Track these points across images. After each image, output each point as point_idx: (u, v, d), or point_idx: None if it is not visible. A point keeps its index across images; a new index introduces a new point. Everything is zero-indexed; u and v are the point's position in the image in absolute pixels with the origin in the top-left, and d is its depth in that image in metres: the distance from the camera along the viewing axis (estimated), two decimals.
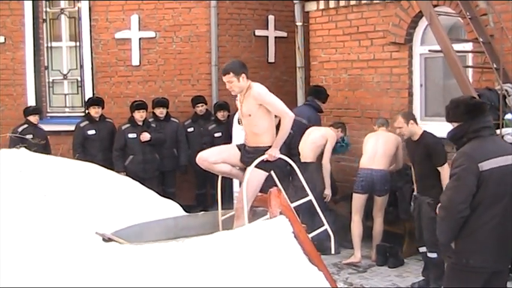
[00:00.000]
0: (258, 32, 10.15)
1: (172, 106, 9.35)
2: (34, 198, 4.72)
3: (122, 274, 3.51)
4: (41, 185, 4.98)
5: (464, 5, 7.01)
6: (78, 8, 9.87)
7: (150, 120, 8.87)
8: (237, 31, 9.96)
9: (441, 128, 5.90)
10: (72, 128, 8.84)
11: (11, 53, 9.90)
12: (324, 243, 5.14)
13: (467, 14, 6.99)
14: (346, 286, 6.67)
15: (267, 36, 10.24)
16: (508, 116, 6.34)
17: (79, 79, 9.96)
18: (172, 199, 5.95)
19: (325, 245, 5.10)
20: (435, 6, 7.28)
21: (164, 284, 3.46)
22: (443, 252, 4.58)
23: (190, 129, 9.20)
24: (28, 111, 8.82)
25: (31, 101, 9.76)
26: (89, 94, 9.73)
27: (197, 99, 9.28)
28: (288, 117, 4.79)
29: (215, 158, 4.88)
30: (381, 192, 7.33)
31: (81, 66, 9.90)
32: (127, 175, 7.41)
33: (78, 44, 9.90)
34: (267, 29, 10.24)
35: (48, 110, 10.02)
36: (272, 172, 4.88)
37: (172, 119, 9.09)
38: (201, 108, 9.23)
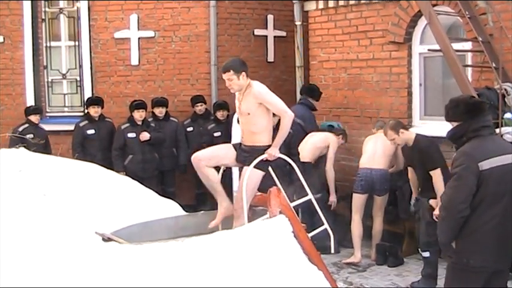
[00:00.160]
0: (257, 32, 10.14)
1: (171, 106, 9.34)
2: (33, 197, 4.72)
3: (122, 274, 3.51)
4: (41, 184, 4.98)
5: (463, 4, 7.01)
6: (77, 7, 9.85)
7: (150, 119, 8.86)
8: (236, 30, 9.95)
9: (440, 128, 5.90)
10: (71, 127, 8.83)
11: (10, 52, 9.90)
12: (324, 242, 5.14)
13: (467, 13, 6.99)
14: (345, 285, 6.67)
15: (266, 36, 10.23)
16: (508, 115, 6.34)
17: (78, 79, 9.95)
18: (171, 199, 5.96)
19: (325, 244, 5.09)
20: (434, 5, 7.28)
21: (164, 283, 3.46)
22: (444, 252, 4.58)
23: (189, 129, 9.19)
24: (29, 110, 8.83)
25: (30, 101, 9.75)
26: (88, 94, 9.72)
27: (196, 99, 9.28)
28: (288, 116, 4.79)
29: (209, 159, 4.83)
30: (380, 192, 7.33)
31: (80, 66, 9.89)
32: (126, 175, 7.43)
33: (77, 43, 9.89)
34: (266, 28, 10.23)
35: (47, 110, 10.00)
36: (272, 171, 4.88)
37: (171, 118, 9.08)
38: (200, 108, 9.23)
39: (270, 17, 10.25)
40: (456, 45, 6.97)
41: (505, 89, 6.54)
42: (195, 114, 9.26)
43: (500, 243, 4.13)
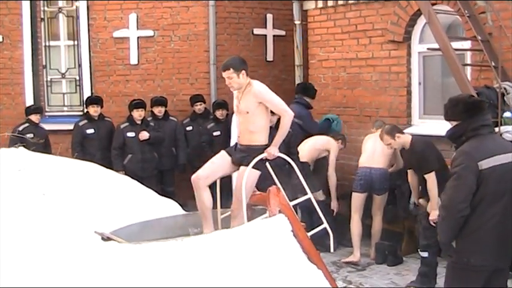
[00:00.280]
0: (257, 31, 10.14)
1: (170, 105, 9.33)
2: (33, 197, 4.71)
3: (121, 273, 3.50)
4: (40, 184, 4.97)
5: (462, 3, 7.01)
6: (76, 7, 9.85)
7: (149, 119, 8.86)
8: (236, 30, 9.95)
9: (440, 127, 5.90)
10: (70, 127, 8.82)
11: (9, 52, 9.89)
12: (323, 241, 5.14)
13: (466, 12, 6.99)
14: (345, 285, 6.67)
15: (266, 35, 10.23)
16: (507, 114, 6.33)
17: (77, 78, 9.94)
18: (171, 198, 5.95)
19: (325, 243, 5.09)
20: (433, 4, 7.27)
21: (163, 283, 3.46)
22: (444, 252, 4.58)
23: (189, 128, 9.19)
24: (29, 110, 8.82)
25: (29, 100, 9.75)
26: (87, 93, 9.72)
27: (196, 98, 9.28)
28: (288, 115, 4.79)
29: (207, 177, 4.83)
30: (379, 191, 7.33)
31: (80, 65, 9.88)
32: (126, 174, 7.42)
33: (76, 42, 9.89)
34: (266, 27, 10.23)
35: (47, 109, 9.98)
36: (271, 170, 4.87)
37: (170, 117, 9.07)
38: (199, 107, 9.23)
39: (269, 16, 10.25)
40: (455, 44, 6.96)
41: (504, 88, 6.53)
42: (194, 113, 9.26)
43: (501, 242, 4.13)
